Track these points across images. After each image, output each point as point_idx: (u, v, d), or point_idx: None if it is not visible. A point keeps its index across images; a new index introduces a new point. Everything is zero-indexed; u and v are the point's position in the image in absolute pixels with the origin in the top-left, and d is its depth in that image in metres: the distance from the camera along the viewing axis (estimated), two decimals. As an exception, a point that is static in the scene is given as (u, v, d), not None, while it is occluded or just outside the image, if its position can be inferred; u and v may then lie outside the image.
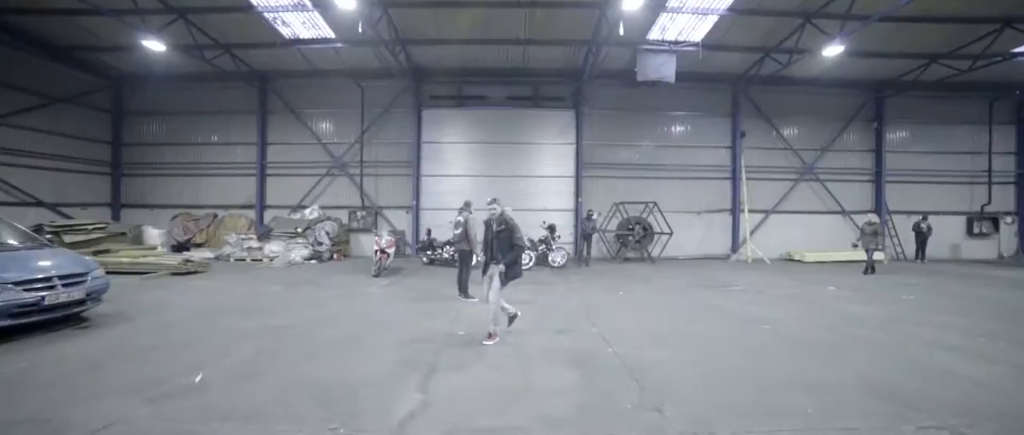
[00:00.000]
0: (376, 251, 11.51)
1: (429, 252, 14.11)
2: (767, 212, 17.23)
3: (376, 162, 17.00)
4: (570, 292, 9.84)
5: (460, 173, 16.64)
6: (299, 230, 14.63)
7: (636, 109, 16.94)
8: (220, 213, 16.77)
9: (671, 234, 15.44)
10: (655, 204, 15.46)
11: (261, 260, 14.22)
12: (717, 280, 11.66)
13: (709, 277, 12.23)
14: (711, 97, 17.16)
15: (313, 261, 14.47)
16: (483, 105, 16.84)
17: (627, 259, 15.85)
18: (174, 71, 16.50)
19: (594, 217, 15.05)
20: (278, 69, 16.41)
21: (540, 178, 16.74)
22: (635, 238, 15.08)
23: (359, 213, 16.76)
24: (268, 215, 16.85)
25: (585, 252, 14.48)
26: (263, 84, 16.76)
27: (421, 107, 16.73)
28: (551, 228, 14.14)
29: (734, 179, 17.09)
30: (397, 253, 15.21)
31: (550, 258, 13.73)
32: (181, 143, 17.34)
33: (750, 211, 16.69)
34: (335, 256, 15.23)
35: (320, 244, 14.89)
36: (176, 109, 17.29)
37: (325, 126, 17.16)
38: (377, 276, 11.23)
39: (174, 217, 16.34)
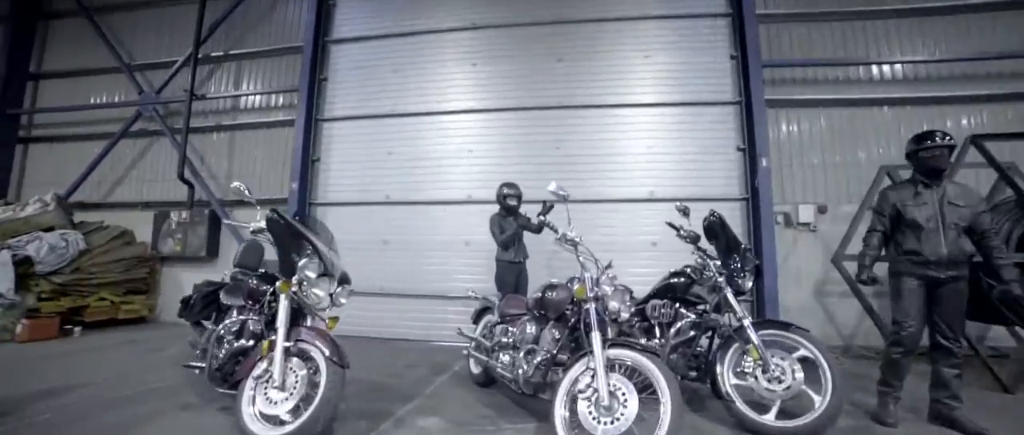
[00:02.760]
0: None
1: (206, 342, 3.52)
2: None
3: (222, 102, 7.27)
4: None
5: (430, 108, 6.32)
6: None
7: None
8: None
9: None
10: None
11: None
12: None
13: None
14: None
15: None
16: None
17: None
18: None
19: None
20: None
21: (637, 109, 5.97)
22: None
23: (177, 217, 6.83)
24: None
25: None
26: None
27: (334, -39, 7.00)
28: (716, 229, 3.22)
29: None
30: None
31: (724, 377, 2.75)
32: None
33: None
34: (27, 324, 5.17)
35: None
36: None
37: (140, 38, 7.85)
38: None
39: None
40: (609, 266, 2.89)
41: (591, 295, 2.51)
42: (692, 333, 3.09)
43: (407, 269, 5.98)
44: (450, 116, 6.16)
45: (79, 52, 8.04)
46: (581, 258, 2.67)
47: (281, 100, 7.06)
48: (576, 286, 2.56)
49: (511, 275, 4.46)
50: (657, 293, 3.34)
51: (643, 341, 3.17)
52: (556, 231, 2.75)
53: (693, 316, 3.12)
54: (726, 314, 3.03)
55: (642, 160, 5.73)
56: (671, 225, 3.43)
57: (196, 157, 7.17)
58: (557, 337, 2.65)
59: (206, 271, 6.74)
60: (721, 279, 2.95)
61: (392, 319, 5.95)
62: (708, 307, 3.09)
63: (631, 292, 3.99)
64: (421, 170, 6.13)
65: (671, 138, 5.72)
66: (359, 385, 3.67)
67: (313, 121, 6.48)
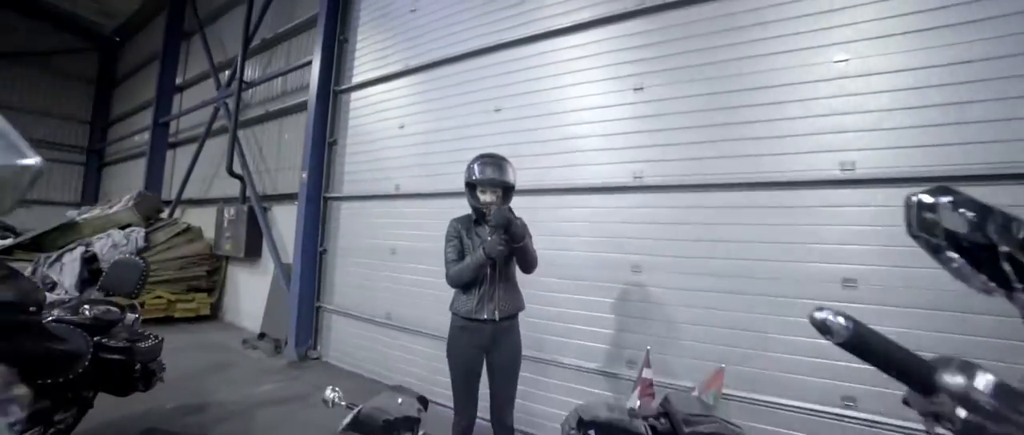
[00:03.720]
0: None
1: None
2: None
3: (273, 87, 6.52)
4: None
5: (446, 54, 4.30)
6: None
7: None
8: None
9: None
10: None
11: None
12: None
13: None
14: None
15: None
16: None
17: None
18: None
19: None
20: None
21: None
22: None
23: (228, 214, 6.43)
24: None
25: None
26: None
27: None
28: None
29: None
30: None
31: None
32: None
33: None
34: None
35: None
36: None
37: (222, 36, 7.84)
38: None
39: None
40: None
41: None
42: None
43: (416, 290, 4.14)
44: (471, 60, 4.02)
45: (201, 61, 8.57)
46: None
47: (321, 76, 5.99)
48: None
49: (472, 346, 2.18)
50: None
51: None
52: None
53: None
54: None
55: (824, 95, 2.58)
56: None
57: (254, 148, 6.72)
58: None
59: (254, 273, 6.18)
60: None
61: (396, 361, 4.21)
62: None
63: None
64: (437, 147, 4.17)
65: (902, 36, 2.41)
66: None
67: (330, 93, 5.16)
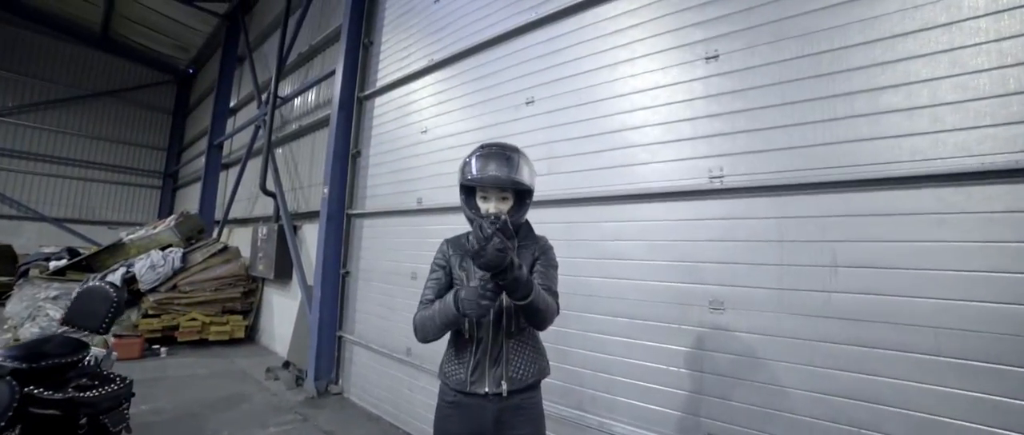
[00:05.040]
0: None
1: None
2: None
3: (308, 101, 6.29)
4: None
5: (469, 44, 3.69)
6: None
7: None
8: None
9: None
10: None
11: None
12: None
13: None
14: None
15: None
16: None
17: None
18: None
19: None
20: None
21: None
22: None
23: (261, 233, 6.22)
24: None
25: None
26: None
27: None
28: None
29: None
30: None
31: None
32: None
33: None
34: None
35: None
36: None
37: (266, 57, 7.85)
38: None
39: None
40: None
41: None
42: None
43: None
44: (499, 47, 3.38)
45: (250, 83, 8.73)
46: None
47: (352, 86, 5.66)
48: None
49: (467, 431, 1.47)
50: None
51: None
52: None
53: None
54: None
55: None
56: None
57: (290, 165, 6.53)
58: None
59: (285, 295, 5.89)
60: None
61: (417, 406, 3.57)
62: None
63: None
64: (459, 152, 3.54)
65: None
66: None
67: (354, 101, 4.75)
